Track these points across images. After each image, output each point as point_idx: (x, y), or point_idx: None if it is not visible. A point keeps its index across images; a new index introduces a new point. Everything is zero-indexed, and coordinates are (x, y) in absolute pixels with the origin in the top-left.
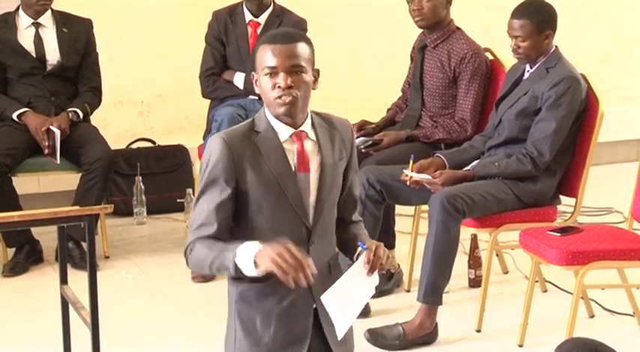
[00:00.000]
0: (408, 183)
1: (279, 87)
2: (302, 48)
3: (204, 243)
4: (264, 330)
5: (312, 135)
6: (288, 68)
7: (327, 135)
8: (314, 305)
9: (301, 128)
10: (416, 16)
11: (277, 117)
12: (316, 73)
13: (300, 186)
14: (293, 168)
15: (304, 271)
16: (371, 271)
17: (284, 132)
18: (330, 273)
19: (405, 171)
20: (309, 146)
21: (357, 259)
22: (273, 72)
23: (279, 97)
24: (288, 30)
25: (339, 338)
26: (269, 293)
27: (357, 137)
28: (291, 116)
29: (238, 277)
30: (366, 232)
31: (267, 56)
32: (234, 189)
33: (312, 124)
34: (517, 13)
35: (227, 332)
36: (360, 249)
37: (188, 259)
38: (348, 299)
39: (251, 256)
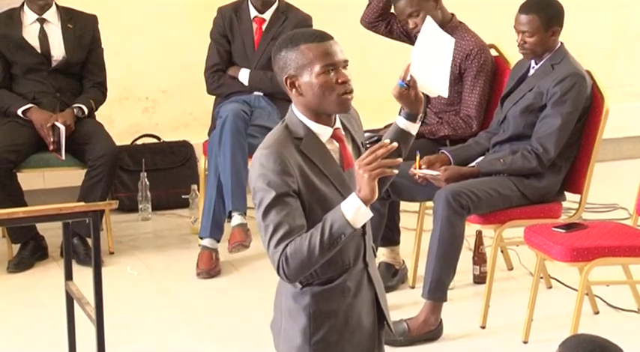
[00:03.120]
0: (417, 178)
1: (343, 82)
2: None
3: (296, 240)
4: (343, 326)
5: (342, 129)
6: (342, 63)
7: (351, 124)
8: (374, 291)
9: (335, 125)
10: (417, 32)
11: (318, 117)
12: None
13: (351, 183)
14: (340, 167)
15: (385, 157)
16: None
17: (324, 133)
18: (375, 256)
19: (410, 171)
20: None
21: None
22: (331, 69)
23: (345, 93)
24: (319, 29)
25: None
26: (342, 290)
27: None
28: (349, 110)
29: (308, 283)
30: None
31: (320, 55)
32: (296, 195)
33: (340, 119)
34: (525, 8)
35: (289, 337)
36: None
37: (286, 268)
38: (430, 61)
39: (356, 200)
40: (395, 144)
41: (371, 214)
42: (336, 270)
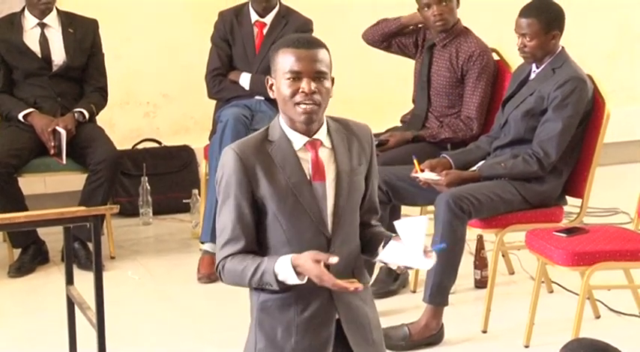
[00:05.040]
0: (421, 183)
1: (302, 92)
2: (324, 54)
3: (235, 259)
4: (285, 340)
5: (327, 142)
6: (312, 73)
7: (345, 141)
8: (336, 316)
9: (316, 136)
10: (437, 20)
11: (293, 124)
12: (332, 81)
13: (316, 195)
14: (308, 177)
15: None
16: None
17: (298, 140)
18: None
19: (412, 175)
20: (324, 154)
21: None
22: (296, 77)
23: (301, 103)
24: (309, 36)
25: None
26: (290, 303)
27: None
28: (310, 123)
29: (260, 287)
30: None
31: (289, 61)
32: (252, 201)
33: (328, 131)
34: (525, 12)
35: (247, 341)
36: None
37: (222, 276)
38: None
39: (291, 271)
40: (360, 286)
41: (301, 283)
42: None
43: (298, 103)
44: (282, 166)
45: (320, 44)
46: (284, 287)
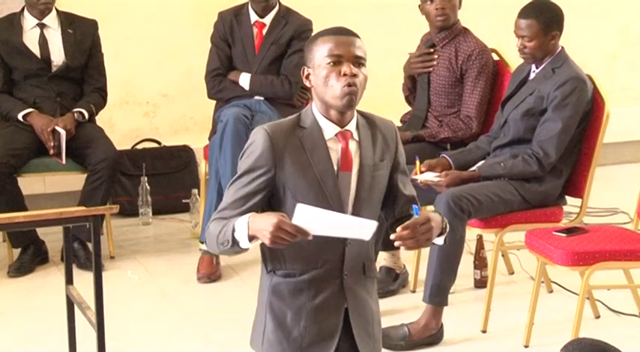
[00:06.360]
0: (419, 183)
1: (344, 74)
2: (361, 43)
3: (218, 222)
4: (294, 325)
5: (355, 135)
6: (352, 58)
7: (369, 136)
8: (345, 305)
9: (347, 127)
10: (438, 15)
11: (328, 113)
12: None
13: (340, 185)
14: (335, 167)
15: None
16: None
17: (330, 130)
18: (365, 274)
19: (412, 177)
20: (352, 146)
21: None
22: (337, 61)
23: (345, 86)
24: (344, 27)
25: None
26: (303, 288)
27: None
28: (350, 106)
29: (273, 269)
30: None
31: (330, 46)
32: (272, 183)
33: (357, 125)
34: (524, 13)
35: (255, 322)
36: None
37: (206, 239)
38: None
39: (244, 228)
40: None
41: (249, 246)
42: (301, 266)
43: (343, 86)
44: (310, 153)
45: (356, 34)
46: (238, 250)
